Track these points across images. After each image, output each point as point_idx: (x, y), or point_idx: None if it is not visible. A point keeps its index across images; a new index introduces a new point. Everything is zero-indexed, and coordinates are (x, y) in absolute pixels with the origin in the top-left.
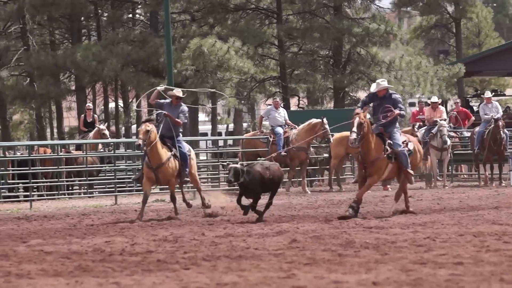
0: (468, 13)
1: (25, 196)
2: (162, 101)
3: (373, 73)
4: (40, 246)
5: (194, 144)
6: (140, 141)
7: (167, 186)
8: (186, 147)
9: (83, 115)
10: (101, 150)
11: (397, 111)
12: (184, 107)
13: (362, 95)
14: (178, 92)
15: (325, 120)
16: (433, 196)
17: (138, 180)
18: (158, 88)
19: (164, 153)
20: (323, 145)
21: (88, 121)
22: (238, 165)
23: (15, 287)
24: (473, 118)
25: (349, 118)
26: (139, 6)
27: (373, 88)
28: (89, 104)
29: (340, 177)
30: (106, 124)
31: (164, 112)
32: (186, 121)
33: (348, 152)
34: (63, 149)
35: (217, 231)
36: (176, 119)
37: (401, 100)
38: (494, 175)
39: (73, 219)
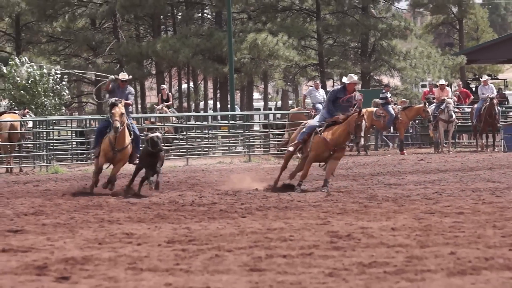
0: (468, 14)
1: None
2: (111, 86)
3: (392, 61)
4: (127, 198)
5: (249, 117)
6: (119, 124)
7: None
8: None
9: (160, 94)
10: (175, 122)
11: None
12: (131, 89)
13: (384, 79)
14: (123, 75)
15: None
16: (440, 159)
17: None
18: (110, 77)
19: (127, 137)
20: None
21: (164, 98)
22: (157, 134)
23: (107, 231)
24: (472, 97)
25: (375, 97)
26: (207, 7)
27: (345, 79)
28: (164, 85)
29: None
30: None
31: (115, 98)
32: (132, 102)
33: (372, 124)
34: (146, 121)
35: (265, 186)
36: (126, 101)
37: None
38: (488, 143)
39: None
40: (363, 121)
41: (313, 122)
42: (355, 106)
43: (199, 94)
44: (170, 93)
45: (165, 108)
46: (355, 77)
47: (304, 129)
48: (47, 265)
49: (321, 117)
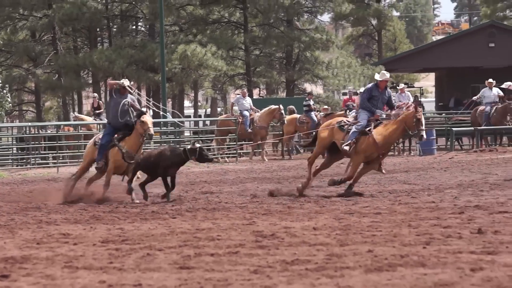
0: (386, 26)
1: (53, 163)
2: (113, 90)
3: (315, 71)
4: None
5: (179, 125)
6: (152, 131)
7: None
8: None
9: (92, 102)
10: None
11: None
12: (134, 98)
13: (308, 87)
14: (125, 81)
15: (281, 106)
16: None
17: (100, 169)
18: (121, 82)
19: None
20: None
21: (94, 106)
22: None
23: (45, 232)
24: None
25: (299, 104)
26: (141, 20)
27: (377, 76)
28: (95, 94)
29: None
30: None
31: (129, 101)
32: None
33: (296, 130)
34: (82, 128)
35: (196, 190)
36: (137, 106)
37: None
38: (405, 147)
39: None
40: (422, 115)
41: (362, 122)
42: (405, 103)
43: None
44: (101, 102)
45: (81, 116)
46: (387, 74)
47: (355, 129)
48: None
49: (364, 116)
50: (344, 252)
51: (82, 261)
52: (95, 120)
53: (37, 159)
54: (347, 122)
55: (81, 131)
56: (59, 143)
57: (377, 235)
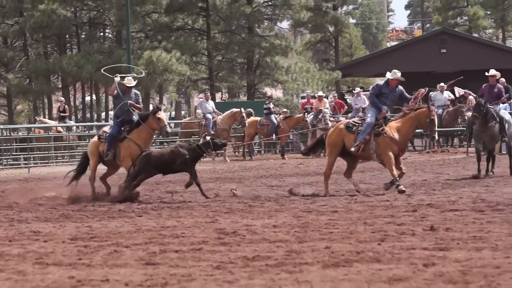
0: (343, 32)
1: (24, 164)
2: (116, 92)
3: (275, 75)
4: (35, 199)
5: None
6: (169, 128)
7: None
8: None
9: (58, 106)
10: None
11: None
12: (137, 92)
13: (268, 91)
14: (129, 81)
15: (242, 109)
16: (318, 163)
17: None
18: (116, 79)
19: None
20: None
21: (60, 110)
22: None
23: (17, 229)
24: (346, 107)
25: (260, 107)
26: (108, 27)
27: (389, 75)
28: (62, 98)
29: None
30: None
31: (129, 101)
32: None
33: (256, 132)
34: (52, 130)
35: (161, 189)
36: (137, 105)
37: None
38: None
39: (59, 180)
40: (435, 115)
41: (370, 120)
42: (415, 99)
43: (101, 105)
44: (66, 106)
45: (44, 120)
46: (399, 73)
47: (363, 129)
48: None
49: (372, 113)
50: (302, 249)
51: (52, 257)
52: (59, 123)
53: (9, 160)
54: (355, 123)
55: (50, 133)
56: (30, 145)
57: (334, 232)
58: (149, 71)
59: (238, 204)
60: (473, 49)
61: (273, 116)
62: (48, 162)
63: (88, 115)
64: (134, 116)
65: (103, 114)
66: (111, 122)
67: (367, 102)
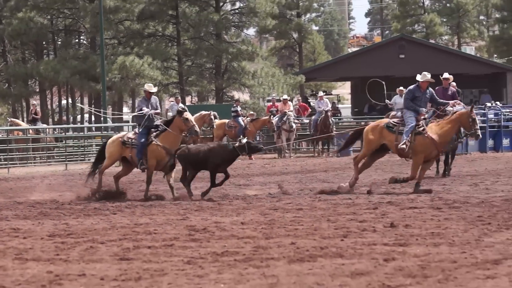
0: (307, 39)
1: (4, 164)
2: (138, 100)
3: (242, 80)
4: (14, 198)
5: (119, 129)
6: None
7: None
8: None
9: (31, 109)
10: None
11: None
12: (156, 98)
13: (236, 95)
14: (150, 87)
15: (211, 112)
16: (283, 163)
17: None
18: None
19: None
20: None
21: (32, 113)
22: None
23: None
24: (310, 110)
25: (228, 110)
26: (83, 34)
27: (419, 77)
28: (34, 102)
29: None
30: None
31: (149, 110)
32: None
33: (225, 133)
34: (30, 132)
35: (134, 188)
36: (157, 111)
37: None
38: (324, 149)
39: (36, 180)
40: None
41: (411, 121)
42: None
43: (77, 108)
44: (38, 109)
45: (16, 121)
46: (428, 75)
47: (407, 129)
48: None
49: (411, 115)
50: (269, 245)
51: (31, 253)
52: (30, 125)
53: None
54: (396, 123)
55: (29, 135)
56: (10, 146)
57: (299, 229)
58: (122, 76)
59: (207, 202)
60: (430, 55)
61: (240, 119)
62: (27, 162)
63: (64, 117)
64: (157, 121)
65: (78, 116)
66: (86, 124)
67: (329, 105)
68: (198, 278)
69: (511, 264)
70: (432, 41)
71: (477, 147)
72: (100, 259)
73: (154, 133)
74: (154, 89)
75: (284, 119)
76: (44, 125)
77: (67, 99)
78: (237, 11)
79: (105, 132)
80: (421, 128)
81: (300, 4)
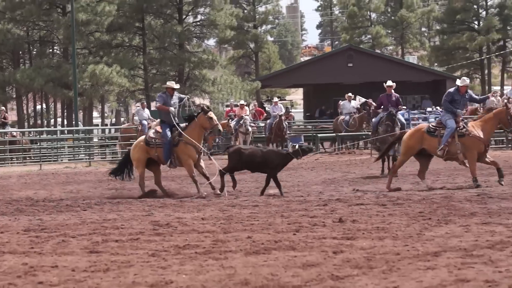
0: (262, 49)
1: None
2: (159, 99)
3: (203, 86)
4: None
5: (89, 131)
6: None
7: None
8: None
9: (1, 114)
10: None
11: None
12: (180, 95)
13: (197, 100)
14: (172, 84)
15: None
16: None
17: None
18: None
19: None
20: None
21: (1, 117)
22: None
23: None
24: (265, 114)
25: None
26: (56, 44)
27: (458, 82)
28: (3, 108)
29: None
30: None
31: (172, 109)
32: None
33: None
34: (7, 135)
35: (103, 187)
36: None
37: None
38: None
39: (13, 179)
40: None
41: (450, 124)
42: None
43: (50, 113)
44: (7, 114)
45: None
46: (467, 80)
47: (446, 133)
48: None
49: (450, 118)
50: (227, 238)
51: (7, 246)
52: None
53: None
54: (436, 127)
55: (6, 137)
56: None
57: (255, 224)
58: (92, 83)
59: (170, 199)
60: (375, 64)
61: None
62: (4, 163)
63: (39, 121)
64: (176, 119)
65: (52, 120)
66: (81, 126)
67: (283, 110)
68: (162, 270)
69: (450, 256)
70: (378, 51)
71: None
72: (71, 252)
73: (177, 132)
74: (177, 86)
75: (241, 122)
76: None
77: (41, 105)
78: (198, 23)
79: (77, 134)
80: (464, 130)
81: (257, 16)
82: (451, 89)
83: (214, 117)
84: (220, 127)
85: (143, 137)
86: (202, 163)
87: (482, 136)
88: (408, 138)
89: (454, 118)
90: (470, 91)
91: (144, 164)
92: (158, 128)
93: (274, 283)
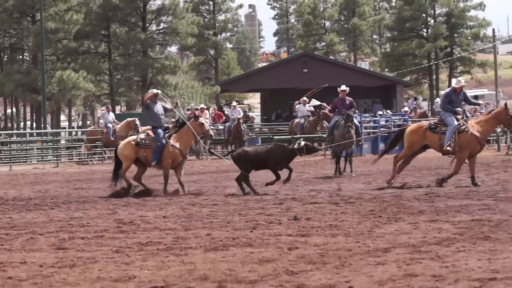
0: (222, 55)
1: None
2: (149, 101)
3: (166, 91)
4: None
5: (57, 134)
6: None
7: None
8: None
9: None
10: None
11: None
12: (162, 103)
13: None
14: (152, 91)
15: (136, 120)
16: (200, 164)
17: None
18: (154, 91)
19: None
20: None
21: None
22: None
23: None
24: (224, 117)
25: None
26: (26, 51)
27: (454, 83)
28: None
29: None
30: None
31: (161, 113)
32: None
33: None
34: None
35: (70, 186)
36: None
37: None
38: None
39: None
40: None
41: (452, 121)
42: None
43: (20, 116)
44: None
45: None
46: (463, 81)
47: (450, 130)
48: None
49: (450, 115)
50: (188, 236)
51: None
52: None
53: None
54: (437, 124)
55: None
56: None
57: (214, 222)
58: (60, 88)
59: (134, 198)
60: (329, 69)
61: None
62: None
63: (9, 124)
64: (165, 124)
65: (21, 123)
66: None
67: (241, 113)
68: (125, 265)
69: (399, 252)
70: (331, 57)
71: (370, 150)
72: (39, 249)
73: (166, 135)
74: (156, 91)
75: None
76: (4, 131)
77: (11, 109)
78: (161, 31)
79: (45, 137)
80: (463, 127)
81: (217, 24)
82: (448, 90)
83: (205, 123)
84: (212, 132)
85: (131, 137)
86: (182, 170)
87: (479, 135)
88: (410, 134)
89: (455, 116)
90: (464, 91)
91: (131, 162)
92: (150, 132)
93: (232, 278)
